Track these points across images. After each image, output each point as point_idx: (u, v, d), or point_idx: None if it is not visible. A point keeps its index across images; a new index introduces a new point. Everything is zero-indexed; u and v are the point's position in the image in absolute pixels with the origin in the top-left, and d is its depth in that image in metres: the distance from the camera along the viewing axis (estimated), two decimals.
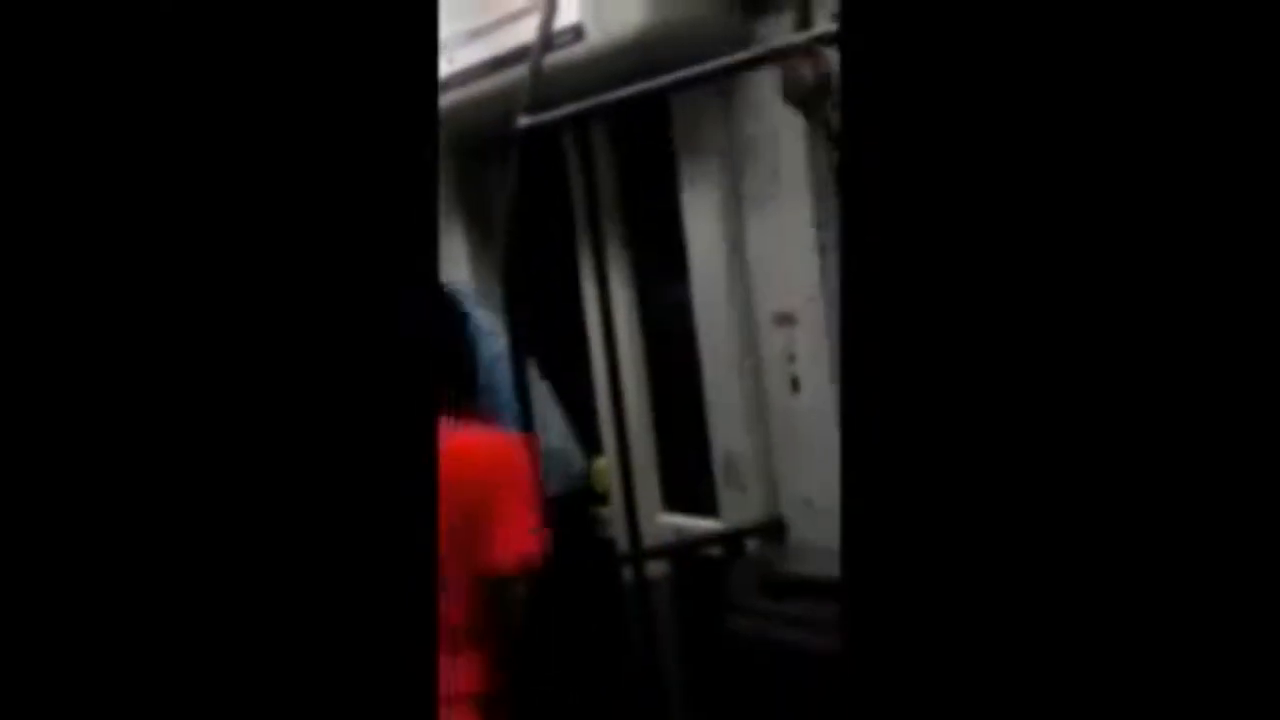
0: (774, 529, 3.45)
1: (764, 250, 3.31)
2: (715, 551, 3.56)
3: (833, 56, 2.78)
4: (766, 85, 3.13)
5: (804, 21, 2.97)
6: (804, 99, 2.93)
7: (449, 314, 2.65)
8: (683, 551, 3.63)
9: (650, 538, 3.63)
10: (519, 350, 3.15)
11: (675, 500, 3.95)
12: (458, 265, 4.28)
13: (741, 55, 2.83)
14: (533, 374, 3.49)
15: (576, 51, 3.23)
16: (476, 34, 3.63)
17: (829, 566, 3.42)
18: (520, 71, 3.21)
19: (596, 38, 3.21)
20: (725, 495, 3.59)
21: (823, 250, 3.17)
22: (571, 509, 3.66)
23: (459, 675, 2.34)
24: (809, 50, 2.75)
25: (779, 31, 3.03)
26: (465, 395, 2.64)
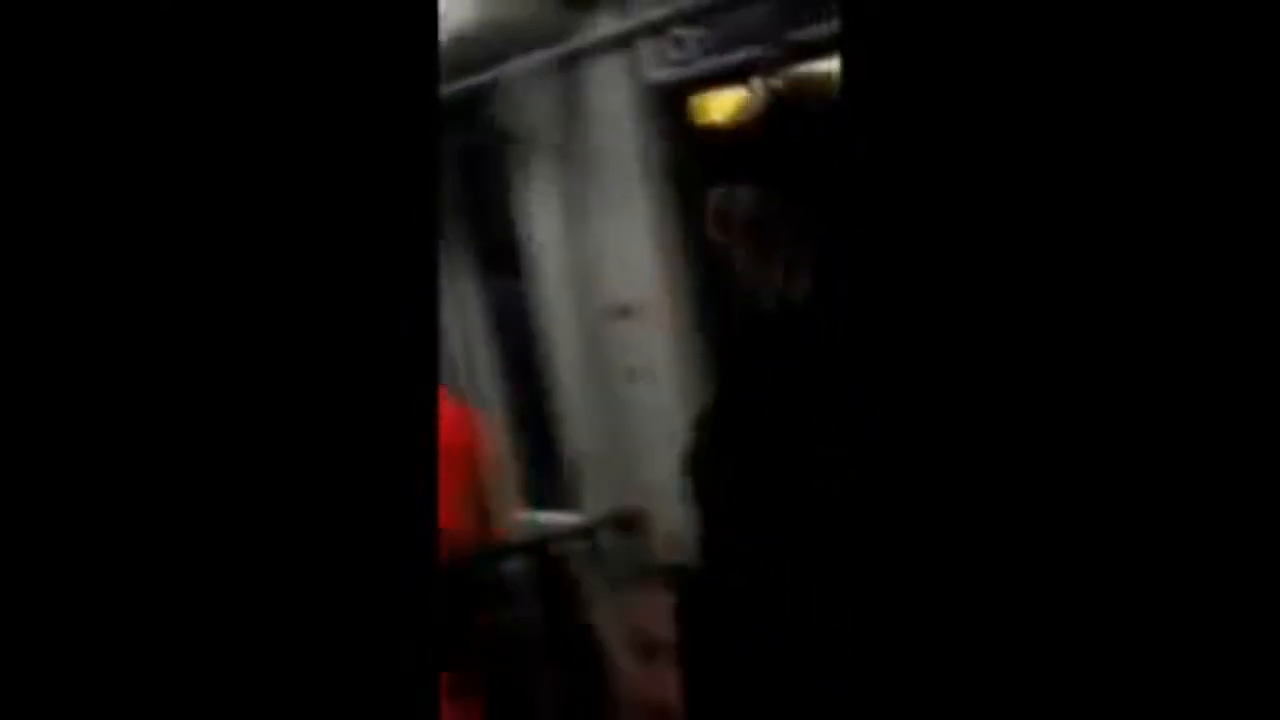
0: (628, 520, 3.46)
1: (602, 244, 3.31)
2: (572, 545, 3.56)
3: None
4: (600, 86, 3.14)
5: (626, 14, 2.98)
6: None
7: None
8: (535, 546, 3.63)
9: (511, 534, 3.62)
10: None
11: (535, 498, 3.95)
12: None
13: (563, 48, 2.83)
14: None
15: None
16: None
17: (684, 554, 3.45)
18: None
19: None
20: (579, 490, 3.60)
21: (661, 243, 3.18)
22: None
23: None
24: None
25: (607, 24, 3.04)
26: None
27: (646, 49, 2.99)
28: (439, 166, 1.20)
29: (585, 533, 3.54)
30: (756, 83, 2.97)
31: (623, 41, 2.87)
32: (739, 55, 2.79)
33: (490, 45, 3.02)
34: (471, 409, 2.83)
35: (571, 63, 3.06)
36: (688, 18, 2.79)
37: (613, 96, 3.12)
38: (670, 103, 3.04)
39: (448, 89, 2.87)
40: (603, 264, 3.30)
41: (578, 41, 3.01)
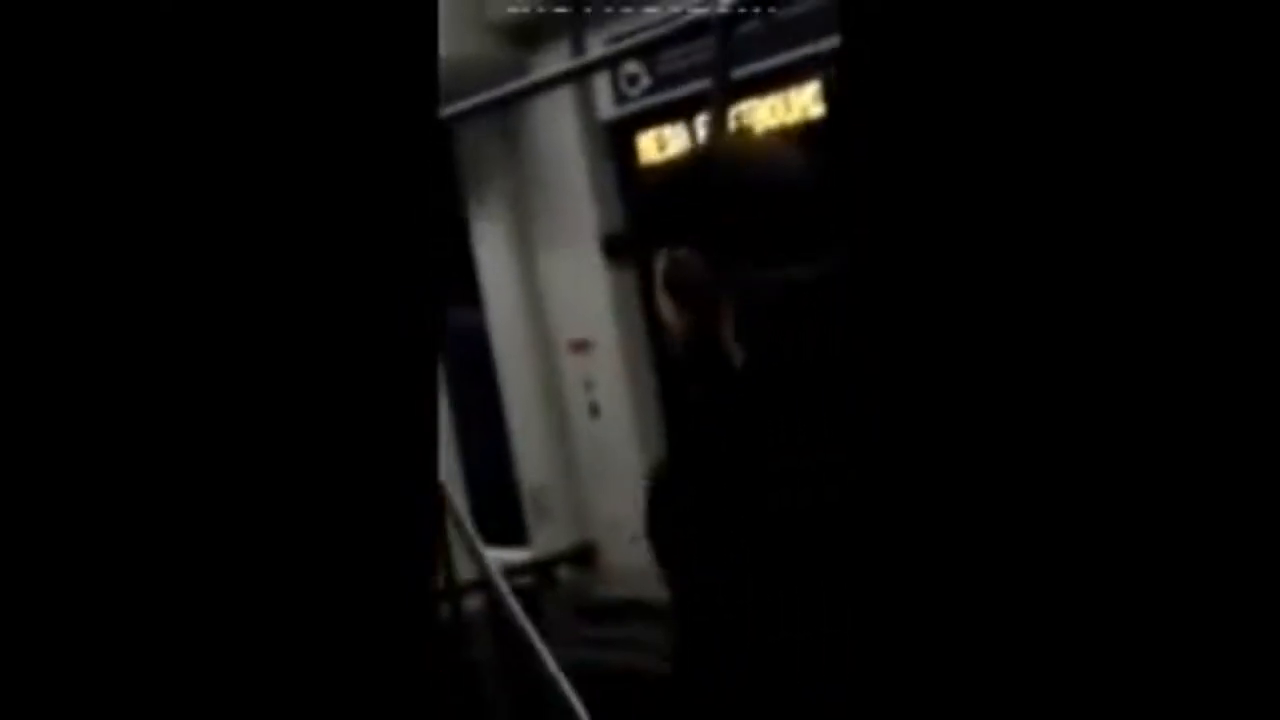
0: (584, 554, 3.46)
1: (556, 280, 3.33)
2: (528, 581, 3.55)
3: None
4: (548, 124, 3.16)
5: (578, 50, 3.01)
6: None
7: None
8: (489, 583, 3.61)
9: (464, 572, 3.59)
10: None
11: (487, 533, 3.93)
12: None
13: (515, 85, 2.84)
14: None
15: None
16: None
17: (639, 588, 3.46)
18: None
19: None
20: (535, 524, 3.59)
21: (614, 279, 3.21)
22: None
23: None
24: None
25: (555, 62, 3.06)
26: None
27: (598, 86, 3.03)
28: (438, 178, 1.20)
29: (541, 567, 3.53)
30: (704, 119, 3.01)
31: (574, 79, 2.90)
32: (689, 90, 2.83)
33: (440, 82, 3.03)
34: None
35: (520, 98, 3.07)
36: (638, 54, 2.82)
37: (564, 132, 3.15)
38: (621, 139, 3.07)
39: None
40: (559, 301, 3.31)
41: (529, 79, 3.03)
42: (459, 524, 3.20)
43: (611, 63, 2.97)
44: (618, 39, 2.94)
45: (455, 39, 3.13)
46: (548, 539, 3.57)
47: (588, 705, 3.20)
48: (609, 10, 2.92)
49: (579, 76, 2.97)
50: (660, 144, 3.13)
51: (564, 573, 3.54)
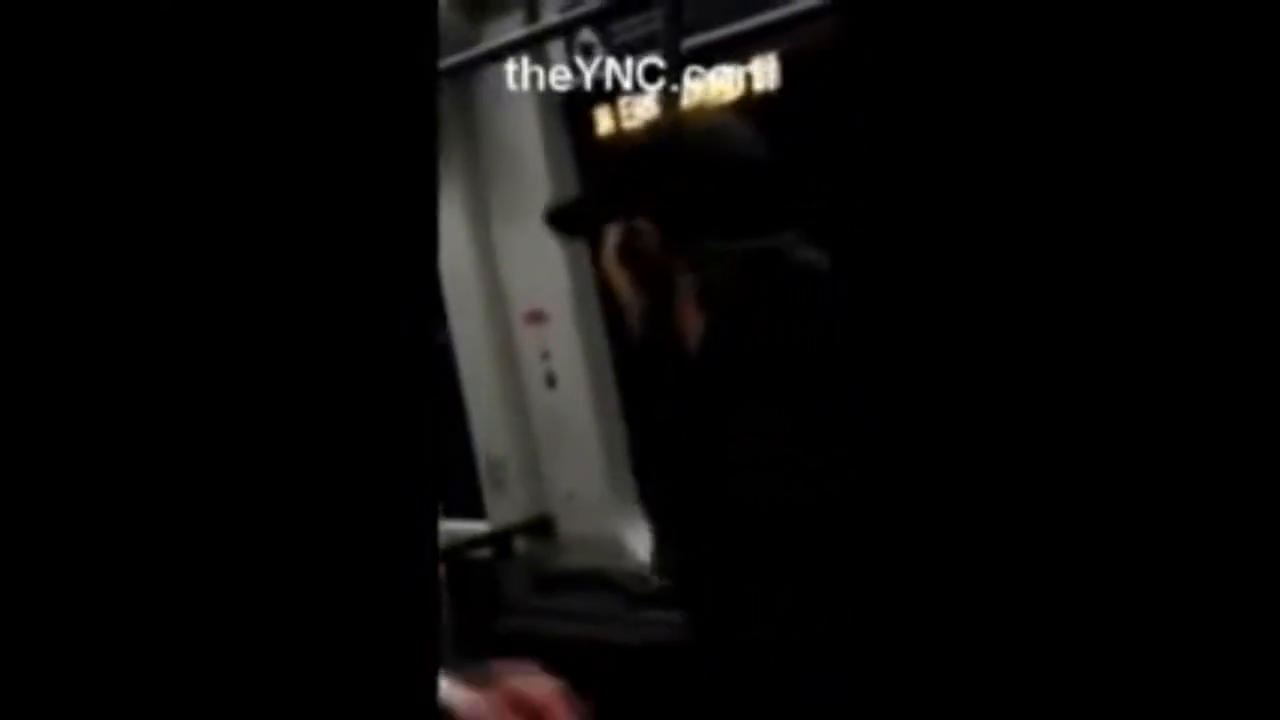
0: (541, 526, 3.46)
1: (513, 250, 3.32)
2: (485, 553, 3.55)
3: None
4: (504, 91, 3.14)
5: (532, 20, 2.98)
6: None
7: None
8: (451, 555, 3.61)
9: None
10: None
11: (443, 506, 3.93)
12: None
13: (469, 53, 2.83)
14: None
15: None
16: None
17: (597, 558, 3.47)
18: None
19: None
20: (491, 496, 3.59)
21: (570, 250, 3.20)
22: None
23: None
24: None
25: (509, 31, 3.04)
26: None
27: (552, 56, 3.01)
28: (436, 166, 1.19)
29: (498, 539, 3.53)
30: (658, 93, 3.00)
31: (528, 48, 2.88)
32: (645, 62, 2.82)
33: None
34: None
35: (471, 68, 3.06)
36: (594, 22, 2.80)
37: (519, 103, 3.13)
38: (577, 110, 3.05)
39: None
40: (515, 270, 3.30)
41: (483, 48, 3.01)
42: None
43: (566, 31, 2.95)
44: (571, 6, 2.92)
45: None
46: (505, 511, 3.57)
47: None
48: None
49: (533, 44, 2.95)
50: (616, 116, 3.12)
51: (521, 544, 3.54)
